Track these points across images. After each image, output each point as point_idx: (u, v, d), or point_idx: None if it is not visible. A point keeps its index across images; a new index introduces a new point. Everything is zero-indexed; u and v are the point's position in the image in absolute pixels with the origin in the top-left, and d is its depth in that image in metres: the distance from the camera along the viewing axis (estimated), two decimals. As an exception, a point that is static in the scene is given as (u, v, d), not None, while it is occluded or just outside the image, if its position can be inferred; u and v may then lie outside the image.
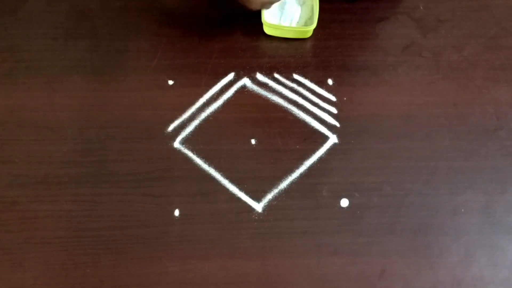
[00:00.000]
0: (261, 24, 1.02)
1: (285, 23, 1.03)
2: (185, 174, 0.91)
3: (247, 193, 0.90)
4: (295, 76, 1.00)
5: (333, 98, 0.98)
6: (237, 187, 0.90)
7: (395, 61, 1.02)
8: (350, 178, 0.91)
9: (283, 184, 0.90)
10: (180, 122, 0.95)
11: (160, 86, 0.98)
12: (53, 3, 1.08)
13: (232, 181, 0.90)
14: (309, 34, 1.03)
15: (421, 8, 1.08)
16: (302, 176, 0.91)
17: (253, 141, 0.94)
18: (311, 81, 0.99)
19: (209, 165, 0.92)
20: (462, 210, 0.89)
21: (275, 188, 0.90)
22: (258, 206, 0.89)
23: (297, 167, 0.91)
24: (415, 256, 0.85)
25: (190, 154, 0.93)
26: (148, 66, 1.00)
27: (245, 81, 0.99)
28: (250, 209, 0.88)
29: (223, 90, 0.99)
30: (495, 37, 1.05)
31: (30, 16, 1.06)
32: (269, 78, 0.99)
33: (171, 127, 0.95)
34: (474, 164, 0.92)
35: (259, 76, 1.00)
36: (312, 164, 0.92)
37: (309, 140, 0.94)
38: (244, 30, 1.04)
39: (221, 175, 0.91)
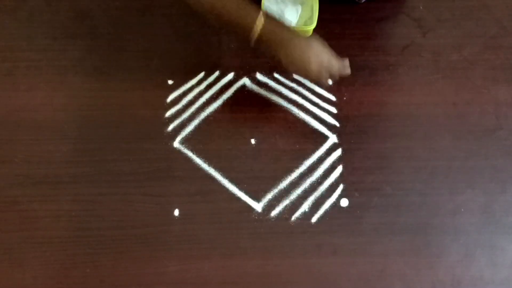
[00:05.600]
0: (261, 24, 1.02)
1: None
2: (185, 174, 0.91)
3: (247, 193, 0.90)
4: (295, 76, 1.00)
5: (333, 98, 0.98)
6: (237, 187, 0.90)
7: (395, 61, 1.02)
8: (350, 178, 0.91)
9: (283, 184, 0.90)
10: (180, 122, 0.95)
11: (160, 86, 0.98)
12: (53, 3, 1.08)
13: (232, 181, 0.90)
14: (309, 33, 1.03)
15: (421, 8, 1.08)
16: (302, 175, 0.91)
17: (253, 141, 0.94)
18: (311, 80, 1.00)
19: (209, 165, 0.92)
20: (462, 210, 0.89)
21: (275, 188, 0.90)
22: (258, 206, 0.89)
23: (297, 167, 0.91)
24: (415, 256, 0.85)
25: (190, 154, 0.93)
26: (148, 66, 1.00)
27: (245, 80, 0.99)
28: (250, 209, 0.88)
29: (223, 90, 0.99)
30: (495, 37, 1.05)
31: (30, 16, 1.06)
32: (269, 78, 0.99)
33: (171, 127, 0.95)
34: (474, 164, 0.92)
35: (259, 76, 1.00)
36: (312, 163, 0.92)
37: (309, 140, 0.94)
38: (244, 30, 1.04)
39: (221, 175, 0.91)
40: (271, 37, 0.83)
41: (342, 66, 0.87)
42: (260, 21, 0.81)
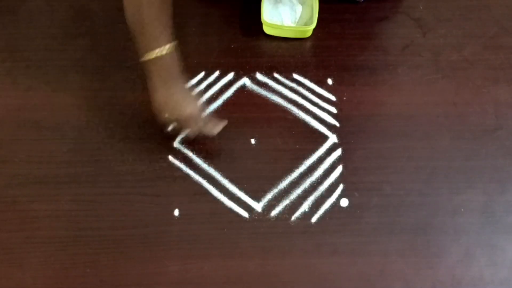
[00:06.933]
0: (261, 24, 1.02)
1: (285, 23, 1.03)
2: (185, 174, 0.91)
3: (247, 193, 0.90)
4: (295, 76, 1.00)
5: (333, 98, 0.98)
6: (237, 187, 0.90)
7: (395, 61, 1.02)
8: (350, 178, 0.91)
9: (283, 184, 0.90)
10: (180, 122, 0.95)
11: (160, 86, 0.98)
12: (52, 2, 1.08)
13: (232, 181, 0.90)
14: (309, 33, 1.03)
15: (421, 8, 1.08)
16: (302, 175, 0.91)
17: (253, 141, 0.94)
18: (311, 80, 0.99)
19: (209, 165, 0.92)
20: (462, 210, 0.89)
21: (275, 188, 0.90)
22: (258, 206, 0.89)
23: (297, 167, 0.91)
24: (414, 256, 0.85)
25: (190, 154, 0.93)
26: (148, 66, 1.00)
27: (245, 80, 0.99)
28: (250, 209, 0.88)
29: (222, 89, 0.99)
30: (495, 37, 1.05)
31: (30, 15, 1.06)
32: (268, 77, 1.00)
33: (171, 127, 0.95)
34: (474, 164, 0.92)
35: (259, 76, 1.00)
36: (311, 163, 0.92)
37: (309, 140, 0.94)
38: (244, 30, 1.04)
39: (221, 175, 0.91)
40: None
41: (212, 125, 0.87)
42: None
